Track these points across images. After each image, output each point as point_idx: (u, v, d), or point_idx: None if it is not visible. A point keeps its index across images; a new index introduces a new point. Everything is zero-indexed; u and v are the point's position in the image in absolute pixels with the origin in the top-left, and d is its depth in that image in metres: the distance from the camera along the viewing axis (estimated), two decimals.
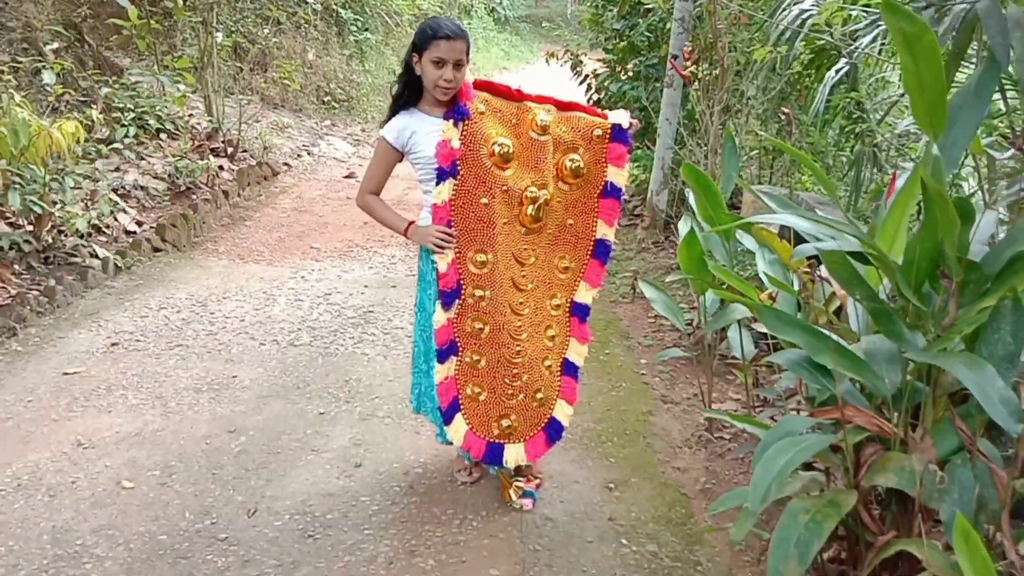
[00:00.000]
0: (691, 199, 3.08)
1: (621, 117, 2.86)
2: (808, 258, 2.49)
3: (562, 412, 2.89)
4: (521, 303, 2.78)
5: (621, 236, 6.73)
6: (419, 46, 2.61)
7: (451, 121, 2.64)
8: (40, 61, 6.17)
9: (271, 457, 3.28)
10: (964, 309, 1.88)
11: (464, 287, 2.70)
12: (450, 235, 2.67)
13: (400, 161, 2.79)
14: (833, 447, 2.05)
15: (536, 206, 2.74)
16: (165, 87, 7.40)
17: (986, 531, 1.86)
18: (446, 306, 2.71)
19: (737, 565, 2.72)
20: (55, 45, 6.36)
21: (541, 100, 2.81)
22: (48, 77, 5.76)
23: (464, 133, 2.65)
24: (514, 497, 2.96)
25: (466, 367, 2.78)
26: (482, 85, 2.75)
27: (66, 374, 3.99)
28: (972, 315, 1.85)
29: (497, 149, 2.68)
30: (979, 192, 2.89)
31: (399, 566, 2.64)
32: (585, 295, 2.89)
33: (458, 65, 2.60)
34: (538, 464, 3.08)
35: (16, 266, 4.87)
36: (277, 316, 4.90)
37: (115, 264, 5.47)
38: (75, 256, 5.26)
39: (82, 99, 6.88)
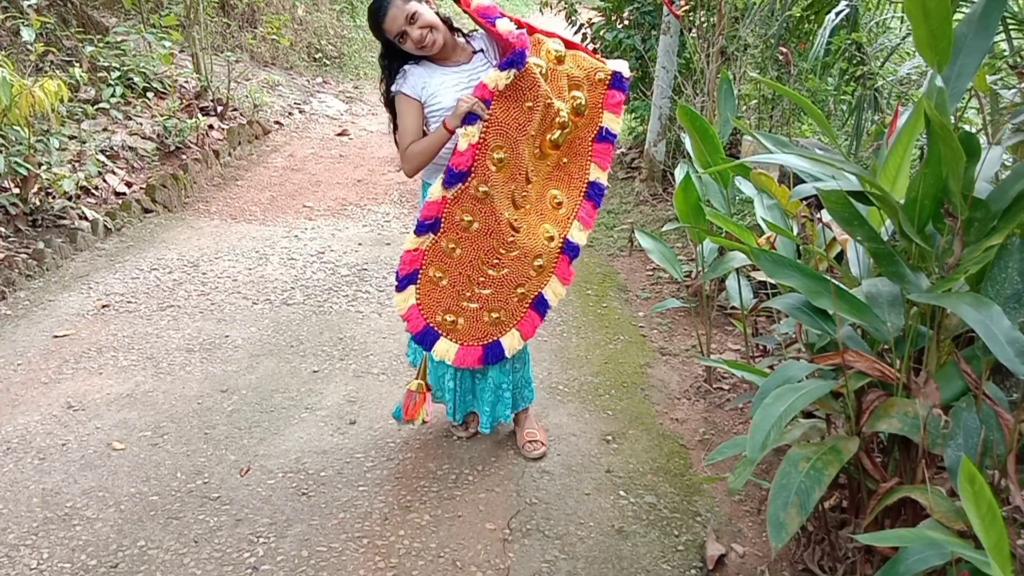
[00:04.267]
0: (688, 145, 3.00)
1: (622, 66, 2.81)
2: (808, 205, 2.41)
3: (510, 341, 2.82)
4: (516, 219, 2.72)
5: (619, 189, 6.65)
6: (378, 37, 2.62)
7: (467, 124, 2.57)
8: (20, 18, 6.01)
9: (264, 416, 3.24)
10: (969, 248, 1.81)
11: (473, 176, 2.62)
12: (484, 108, 2.57)
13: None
14: (834, 393, 2.00)
15: (563, 132, 2.74)
16: (152, 45, 7.25)
17: (991, 476, 1.82)
18: (447, 185, 2.62)
19: (737, 515, 2.69)
20: (34, 1, 6.19)
21: (550, 35, 2.78)
22: (27, 35, 5.61)
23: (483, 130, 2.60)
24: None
25: (428, 288, 2.74)
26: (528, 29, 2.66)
27: (56, 337, 3.94)
28: (978, 254, 1.78)
29: (497, 156, 2.64)
30: (984, 131, 2.80)
31: (394, 522, 2.60)
32: (579, 235, 2.84)
33: (413, 20, 2.53)
34: (540, 428, 3.05)
35: (3, 229, 4.79)
36: (270, 275, 4.83)
37: (105, 226, 5.39)
38: (64, 218, 5.18)
39: (66, 58, 6.74)
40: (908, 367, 1.93)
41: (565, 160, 2.84)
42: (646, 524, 2.63)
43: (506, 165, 2.64)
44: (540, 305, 2.84)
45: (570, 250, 2.84)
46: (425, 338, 2.77)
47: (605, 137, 2.83)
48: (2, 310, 4.22)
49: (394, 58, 2.68)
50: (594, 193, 2.86)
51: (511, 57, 2.52)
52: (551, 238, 2.79)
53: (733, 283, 3.30)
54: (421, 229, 2.69)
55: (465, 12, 2.63)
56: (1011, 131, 2.16)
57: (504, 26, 2.56)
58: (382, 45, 2.69)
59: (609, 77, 2.79)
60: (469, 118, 2.55)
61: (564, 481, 2.84)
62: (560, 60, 2.73)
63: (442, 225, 2.68)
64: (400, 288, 2.75)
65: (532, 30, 2.72)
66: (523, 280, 2.77)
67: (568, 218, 2.85)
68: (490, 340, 2.80)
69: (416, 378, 2.90)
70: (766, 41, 5.67)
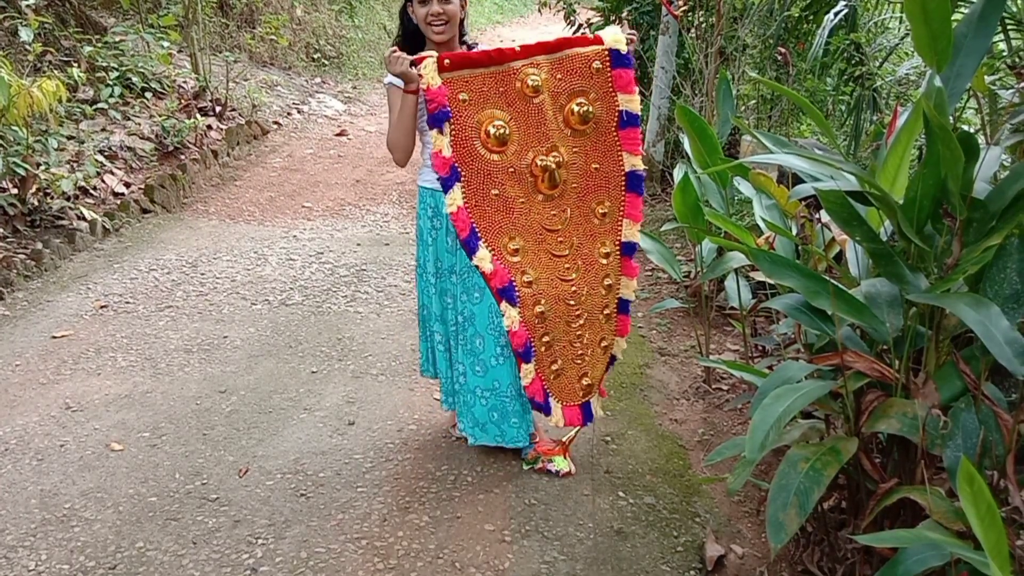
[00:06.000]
0: (686, 145, 3.00)
1: (615, 38, 2.62)
2: (807, 205, 2.41)
3: (617, 348, 2.87)
4: (567, 268, 2.70)
5: None
6: None
7: (435, 130, 2.49)
8: (18, 18, 6.00)
9: (262, 417, 3.24)
10: (968, 248, 1.81)
11: (513, 277, 2.61)
12: (401, 55, 2.46)
13: None
14: (833, 394, 2.00)
15: (548, 174, 2.63)
16: (150, 45, 7.25)
17: (990, 477, 1.81)
18: (512, 302, 2.60)
19: (736, 516, 2.68)
20: (32, 1, 6.18)
21: (527, 52, 2.59)
22: (25, 35, 5.61)
23: (453, 135, 2.52)
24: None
25: (542, 353, 2.71)
26: (456, 61, 2.50)
27: (54, 337, 3.94)
28: (976, 254, 1.78)
29: (492, 131, 2.54)
30: (982, 131, 2.80)
31: (393, 523, 2.60)
32: (631, 233, 2.76)
33: None
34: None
35: (1, 229, 4.79)
36: (268, 276, 4.83)
37: (103, 226, 5.39)
38: (62, 218, 5.18)
39: (64, 59, 6.74)
40: (907, 367, 1.93)
41: (596, 166, 2.69)
42: (645, 525, 2.62)
43: (522, 245, 2.64)
44: (623, 308, 2.86)
45: (628, 250, 2.79)
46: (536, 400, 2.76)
47: (628, 122, 2.66)
48: (0, 311, 4.22)
49: (407, 39, 2.66)
50: (634, 184, 2.72)
51: (431, 120, 2.49)
52: (607, 254, 2.76)
53: (732, 283, 3.30)
54: (527, 357, 2.66)
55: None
56: (1009, 131, 2.16)
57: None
58: (400, 21, 2.67)
59: (607, 60, 2.61)
60: (436, 118, 2.48)
61: (563, 482, 2.84)
62: (536, 90, 2.57)
63: (531, 340, 2.66)
64: (547, 411, 2.75)
65: (504, 57, 2.55)
66: (603, 334, 2.79)
67: (617, 222, 2.76)
68: (584, 401, 2.82)
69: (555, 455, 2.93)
70: (764, 41, 5.68)
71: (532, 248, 2.66)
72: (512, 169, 2.60)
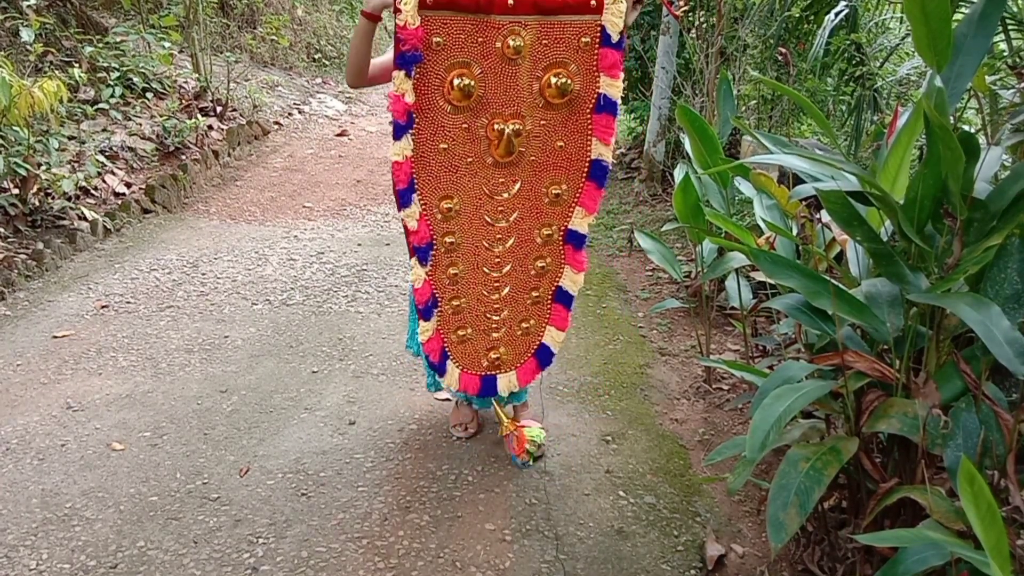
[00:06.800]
0: (687, 145, 3.00)
1: (614, 14, 2.40)
2: (808, 205, 2.41)
3: (551, 338, 2.80)
4: (499, 238, 2.64)
5: (618, 189, 6.65)
6: None
7: (403, 72, 2.36)
8: (19, 19, 6.01)
9: (263, 416, 3.24)
10: (968, 248, 1.81)
11: (434, 236, 2.59)
12: None
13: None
14: (833, 394, 2.00)
15: (504, 141, 2.50)
16: (151, 46, 7.25)
17: (990, 477, 1.81)
18: (422, 262, 2.59)
19: (736, 515, 2.68)
20: (34, 2, 6.19)
21: (519, 7, 2.38)
22: (27, 35, 5.61)
23: (417, 79, 2.40)
24: (515, 444, 2.93)
25: (448, 316, 2.71)
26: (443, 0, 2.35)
27: (55, 337, 3.94)
28: (977, 254, 1.78)
29: (457, 83, 2.42)
30: (982, 131, 2.81)
31: (393, 522, 2.60)
32: (579, 222, 2.65)
33: None
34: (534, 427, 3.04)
35: (2, 229, 4.79)
36: (269, 276, 4.83)
37: (104, 226, 5.39)
38: (63, 219, 5.18)
39: (65, 59, 6.74)
40: (907, 367, 1.93)
41: (561, 143, 2.56)
42: (646, 524, 2.62)
43: (456, 206, 2.58)
44: (542, 354, 2.83)
45: (572, 239, 2.67)
46: (441, 365, 2.78)
47: (605, 107, 2.51)
48: (1, 310, 4.22)
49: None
50: (596, 173, 2.59)
51: (400, 61, 2.35)
52: (549, 236, 2.66)
53: (732, 283, 3.30)
54: (427, 314, 2.67)
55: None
56: (1010, 131, 2.16)
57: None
58: None
59: (597, 37, 2.43)
60: (405, 59, 2.34)
61: (563, 482, 2.84)
62: (517, 52, 2.42)
63: (439, 297, 2.67)
64: (441, 372, 2.77)
65: (494, 6, 2.37)
66: (524, 316, 2.76)
67: (569, 208, 2.64)
68: (487, 374, 2.81)
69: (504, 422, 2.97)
70: (765, 41, 5.68)
71: (467, 212, 2.60)
72: (466, 126, 2.50)
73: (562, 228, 2.67)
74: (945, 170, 1.72)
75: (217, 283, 4.68)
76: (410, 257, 2.61)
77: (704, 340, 3.61)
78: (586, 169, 2.60)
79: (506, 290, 2.71)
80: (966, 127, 3.77)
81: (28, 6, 6.11)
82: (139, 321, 4.14)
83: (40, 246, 4.79)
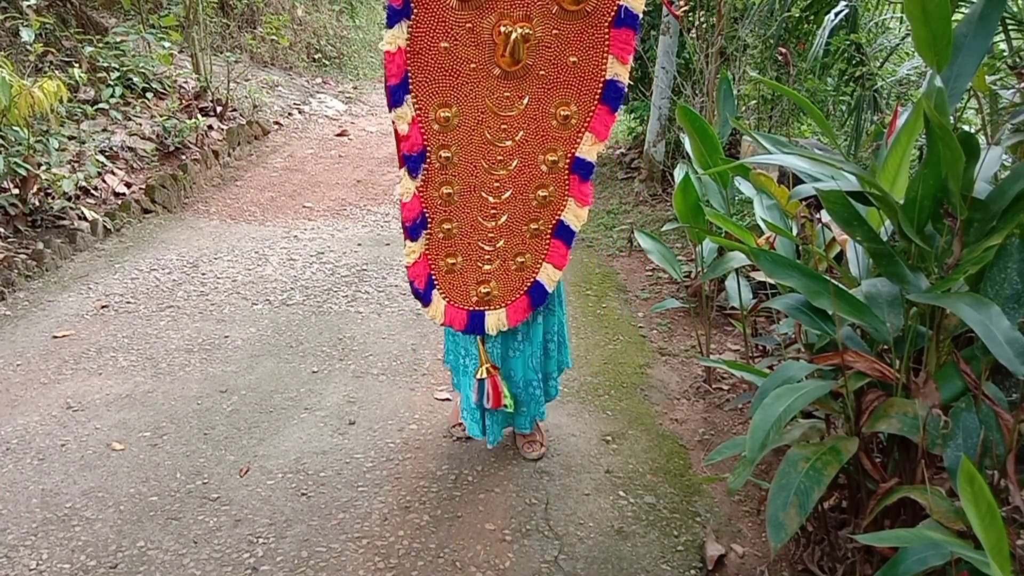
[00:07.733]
0: (687, 145, 3.00)
1: None
2: (808, 205, 2.41)
3: (546, 276, 2.61)
4: (500, 160, 2.45)
5: (618, 189, 6.64)
6: None
7: None
8: (19, 19, 6.01)
9: (263, 416, 3.24)
10: (968, 248, 1.81)
11: (428, 148, 2.41)
12: None
13: None
14: (833, 394, 2.00)
15: (512, 46, 2.30)
16: (151, 45, 7.25)
17: (990, 477, 1.81)
18: (412, 173, 2.42)
19: (736, 515, 2.68)
20: (33, 2, 6.19)
21: None
22: (27, 35, 5.61)
23: None
24: (491, 392, 2.75)
25: (437, 239, 2.55)
26: None
27: (55, 337, 3.94)
28: (977, 254, 1.78)
29: None
30: (982, 131, 2.81)
31: (393, 522, 2.60)
32: (588, 150, 2.46)
33: None
34: (539, 428, 3.03)
35: (2, 229, 4.79)
36: (269, 276, 4.83)
37: (104, 226, 5.39)
38: (63, 219, 5.18)
39: (65, 59, 6.74)
40: (907, 367, 1.93)
41: (573, 59, 2.35)
42: (646, 524, 2.62)
43: (455, 116, 2.40)
44: (535, 292, 2.63)
45: (580, 168, 2.48)
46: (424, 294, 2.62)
47: (625, 20, 2.30)
48: (1, 310, 4.22)
49: None
50: (611, 95, 2.38)
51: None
52: (554, 162, 2.46)
53: (732, 283, 3.30)
54: (413, 233, 2.50)
55: None
56: (1010, 131, 2.16)
57: None
58: None
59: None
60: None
61: (563, 481, 2.84)
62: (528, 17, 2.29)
63: (428, 216, 2.50)
64: (426, 302, 2.62)
65: None
66: (520, 249, 2.57)
67: (578, 132, 2.43)
68: (476, 309, 2.64)
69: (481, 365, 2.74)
70: (765, 41, 5.68)
71: (467, 125, 2.42)
72: (471, 25, 2.31)
73: (569, 155, 2.48)
74: (945, 170, 1.72)
75: (217, 283, 4.68)
76: (399, 167, 2.44)
77: (704, 340, 3.61)
78: (599, 90, 2.40)
79: (503, 218, 2.54)
80: (966, 127, 3.77)
81: (28, 6, 6.11)
82: (139, 321, 4.14)
83: (40, 246, 4.79)
